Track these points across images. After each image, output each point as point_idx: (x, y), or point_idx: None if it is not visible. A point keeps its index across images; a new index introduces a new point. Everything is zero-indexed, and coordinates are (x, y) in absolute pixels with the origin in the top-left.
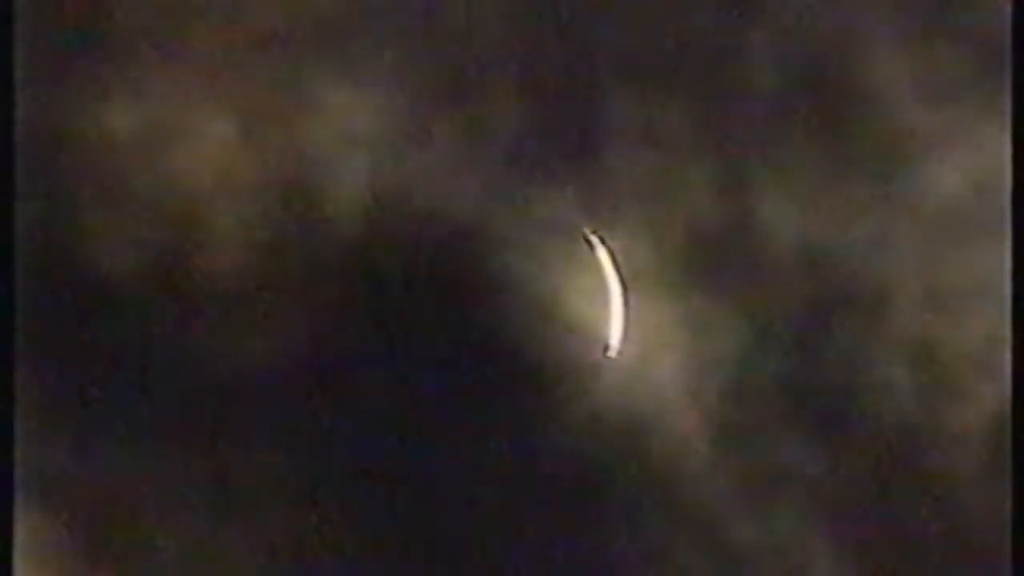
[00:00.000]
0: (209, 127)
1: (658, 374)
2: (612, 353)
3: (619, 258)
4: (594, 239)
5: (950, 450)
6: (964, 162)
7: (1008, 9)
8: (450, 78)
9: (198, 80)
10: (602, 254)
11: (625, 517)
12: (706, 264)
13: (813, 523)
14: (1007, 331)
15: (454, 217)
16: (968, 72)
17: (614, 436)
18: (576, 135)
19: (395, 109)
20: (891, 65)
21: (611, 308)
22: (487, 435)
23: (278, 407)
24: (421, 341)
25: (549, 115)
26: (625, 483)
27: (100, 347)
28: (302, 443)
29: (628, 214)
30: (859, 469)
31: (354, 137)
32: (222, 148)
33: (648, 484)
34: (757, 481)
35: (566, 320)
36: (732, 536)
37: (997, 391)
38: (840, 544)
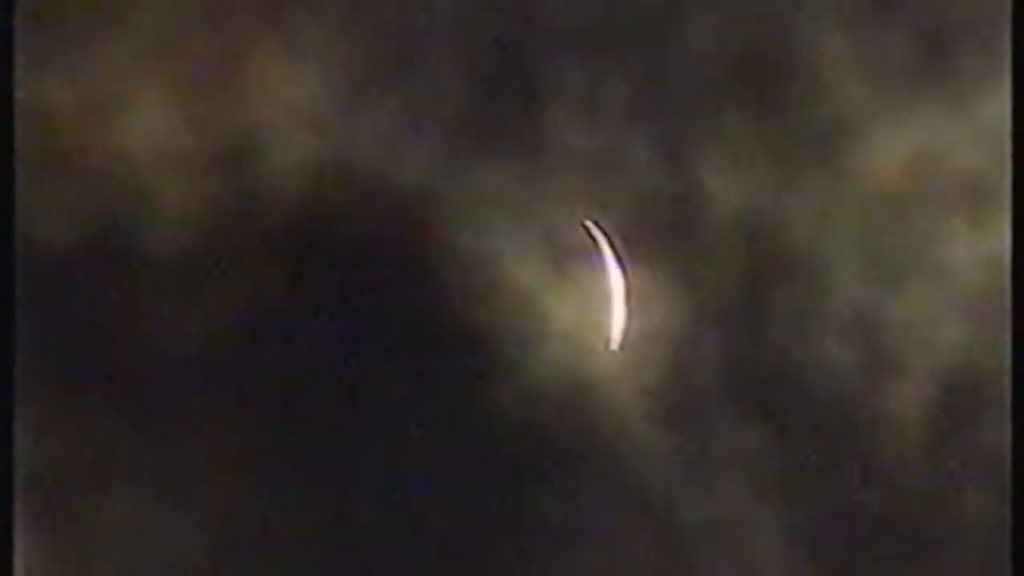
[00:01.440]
0: (151, 101)
1: (599, 346)
2: (614, 346)
3: (561, 231)
4: (594, 230)
5: (890, 427)
6: (906, 138)
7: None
8: (392, 50)
9: (141, 54)
10: (604, 246)
11: (565, 490)
12: (647, 236)
13: (757, 499)
14: (950, 307)
15: (397, 188)
16: (912, 50)
17: (555, 407)
18: (519, 107)
19: (337, 82)
20: (834, 40)
21: (612, 301)
22: (429, 404)
23: (221, 379)
24: (364, 311)
25: (492, 87)
26: (565, 455)
27: (41, 320)
28: (247, 416)
29: (569, 186)
30: (802, 445)
31: (297, 110)
32: (164, 122)
33: (588, 457)
34: (698, 455)
35: (508, 291)
36: (674, 511)
37: (938, 367)
38: (786, 520)
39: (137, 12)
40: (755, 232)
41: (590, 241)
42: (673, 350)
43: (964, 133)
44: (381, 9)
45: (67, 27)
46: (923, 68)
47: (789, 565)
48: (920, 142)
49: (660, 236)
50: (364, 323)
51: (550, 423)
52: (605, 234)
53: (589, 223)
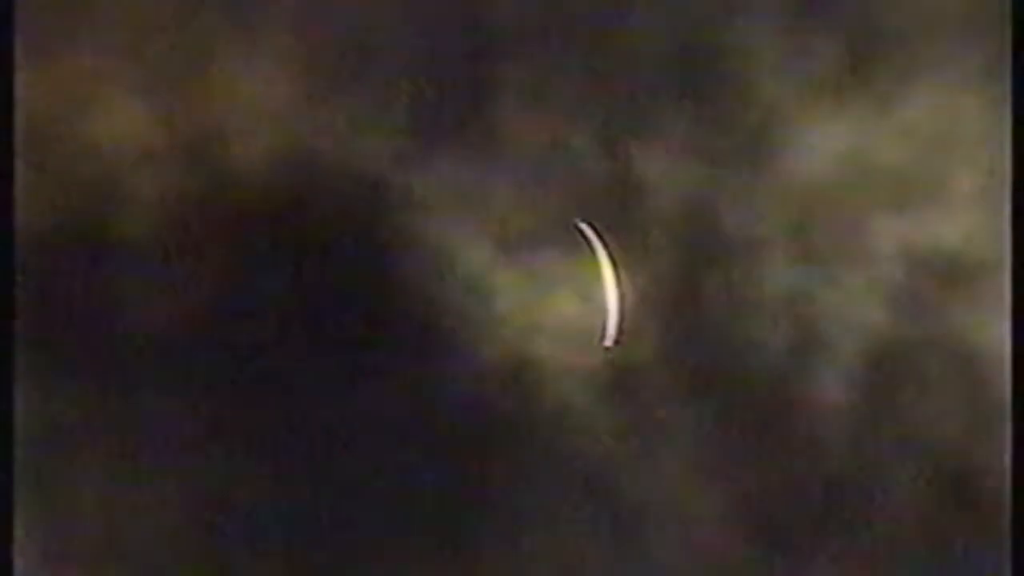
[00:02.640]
0: (121, 96)
1: (545, 328)
2: (608, 343)
3: (509, 218)
4: (587, 231)
5: (820, 406)
6: (835, 134)
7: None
8: (350, 48)
9: (111, 51)
10: (597, 246)
11: (511, 466)
12: (583, 214)
13: (697, 475)
14: (876, 293)
15: (356, 178)
16: (841, 52)
17: (501, 386)
18: (470, 100)
19: (299, 78)
20: (768, 40)
21: (607, 300)
22: (386, 386)
23: (188, 360)
24: (324, 296)
25: (445, 82)
26: (511, 433)
27: (16, 307)
28: (213, 392)
29: (517, 176)
30: (739, 424)
31: (260, 104)
32: (131, 116)
33: (533, 435)
34: (640, 433)
35: (459, 274)
36: (617, 487)
37: (865, 349)
38: (725, 496)
39: (106, 12)
40: (692, 220)
41: (537, 226)
42: (616, 331)
43: (888, 130)
44: (340, 8)
45: (41, 25)
46: (851, 69)
47: (729, 539)
48: (848, 138)
49: (602, 223)
50: (324, 304)
51: (497, 401)
52: (597, 233)
53: (581, 224)
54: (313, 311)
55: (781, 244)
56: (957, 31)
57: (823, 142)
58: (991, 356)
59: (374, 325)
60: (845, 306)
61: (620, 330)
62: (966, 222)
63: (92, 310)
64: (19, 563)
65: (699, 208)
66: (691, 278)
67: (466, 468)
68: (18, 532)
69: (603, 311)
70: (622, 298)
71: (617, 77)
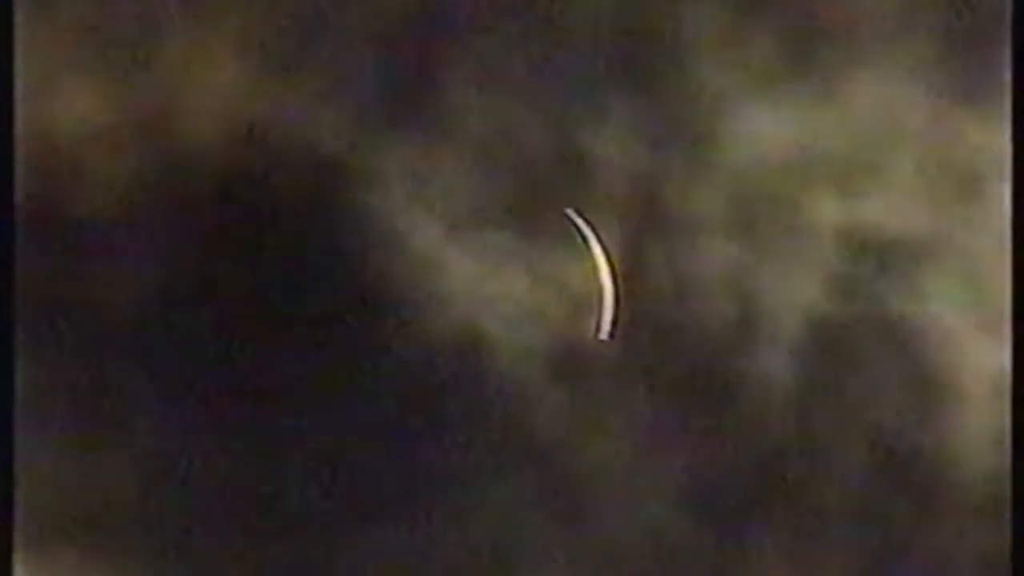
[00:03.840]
0: (74, 77)
1: (495, 305)
2: (604, 335)
3: (458, 197)
4: (580, 222)
5: (762, 382)
6: (781, 120)
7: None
8: (305, 30)
9: (65, 33)
10: (591, 237)
11: (461, 441)
12: (537, 202)
13: (646, 450)
14: (816, 272)
15: (311, 156)
16: (787, 42)
17: (453, 364)
18: (422, 80)
19: (254, 58)
20: (714, 26)
21: (604, 292)
22: (338, 359)
23: (147, 334)
24: (278, 271)
25: (398, 64)
26: (462, 408)
27: None
28: (171, 364)
29: (467, 156)
30: (684, 400)
31: (212, 82)
32: (86, 97)
33: (484, 410)
34: (587, 409)
35: (410, 250)
36: (565, 460)
37: (805, 327)
38: (671, 471)
39: None
40: (637, 200)
41: (487, 205)
42: (562, 309)
43: (830, 117)
44: None
45: None
46: (794, 56)
47: (674, 512)
48: (791, 125)
49: (548, 202)
50: (278, 279)
51: (446, 376)
52: (589, 225)
53: (572, 213)
54: (267, 285)
55: (724, 224)
56: (899, 22)
57: (766, 128)
58: (928, 335)
59: (326, 300)
60: (786, 285)
61: (614, 323)
62: (905, 207)
63: (55, 286)
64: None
65: (644, 189)
66: (637, 257)
67: (415, 441)
68: None
69: (552, 288)
70: (617, 290)
71: (565, 62)
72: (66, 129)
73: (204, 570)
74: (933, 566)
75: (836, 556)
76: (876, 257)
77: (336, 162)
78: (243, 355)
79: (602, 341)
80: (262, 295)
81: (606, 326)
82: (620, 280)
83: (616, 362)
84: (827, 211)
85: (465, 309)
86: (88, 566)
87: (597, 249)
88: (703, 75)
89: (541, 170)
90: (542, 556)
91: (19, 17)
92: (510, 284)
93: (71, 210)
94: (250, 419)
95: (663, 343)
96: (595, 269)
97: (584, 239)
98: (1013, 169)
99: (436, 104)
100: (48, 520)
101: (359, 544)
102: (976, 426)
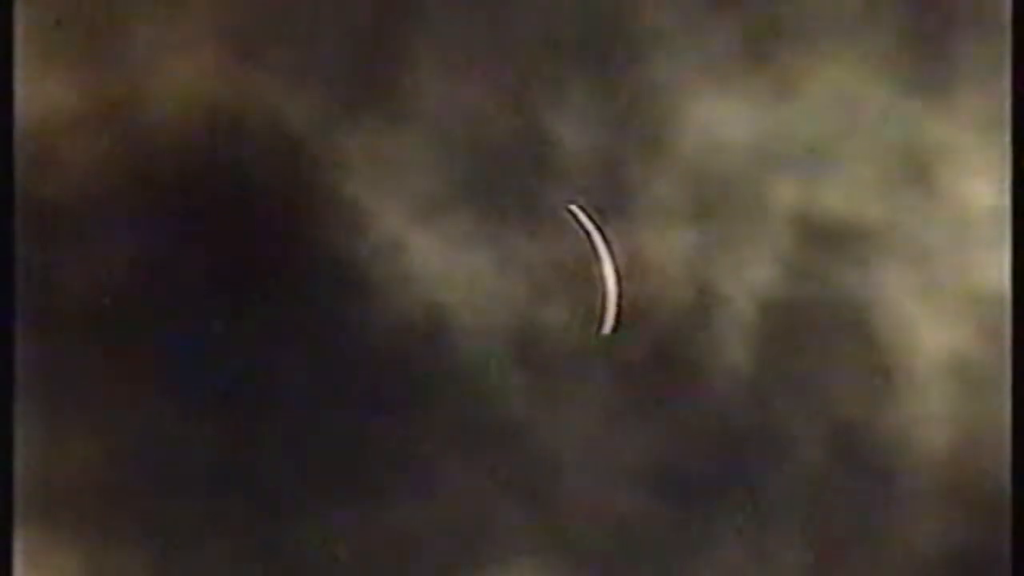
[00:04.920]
0: (43, 64)
1: (458, 285)
2: (606, 330)
3: (422, 179)
4: (582, 217)
5: (720, 367)
6: (740, 107)
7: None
8: (275, 15)
9: (35, 21)
10: (595, 234)
11: (425, 421)
12: (498, 180)
13: (607, 432)
14: (772, 250)
15: (282, 140)
16: (748, 27)
17: (417, 343)
18: (387, 65)
19: (225, 43)
20: (671, 11)
21: (607, 289)
22: (303, 339)
23: (117, 315)
24: (246, 252)
25: (365, 49)
26: (426, 388)
27: None
28: (140, 347)
29: (431, 138)
30: (644, 382)
31: (182, 68)
32: (57, 82)
33: (448, 390)
34: (552, 388)
35: (377, 231)
36: (527, 439)
37: (759, 310)
38: (632, 453)
39: None
40: (597, 182)
41: (451, 188)
42: (525, 290)
43: (790, 108)
44: None
45: None
46: (756, 45)
47: (634, 493)
48: (751, 114)
49: (510, 185)
50: (246, 259)
51: (410, 355)
52: (593, 221)
53: (576, 210)
54: (236, 266)
55: (683, 209)
56: (857, 18)
57: (726, 116)
58: (881, 319)
59: (293, 281)
60: (744, 270)
61: (618, 318)
62: (860, 195)
63: (31, 269)
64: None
65: (604, 173)
66: (592, 239)
67: (379, 420)
68: None
69: (515, 269)
70: (620, 285)
71: (527, 48)
72: (40, 116)
73: (183, 540)
74: (889, 546)
75: (793, 537)
76: (832, 243)
77: (303, 146)
78: (214, 335)
79: (604, 332)
80: (232, 275)
81: (610, 321)
82: (623, 278)
83: (577, 344)
84: (784, 198)
85: (429, 289)
86: (81, 541)
87: (601, 246)
88: (663, 63)
89: (503, 153)
90: (505, 533)
91: None
92: (473, 265)
93: (40, 193)
94: (223, 397)
95: (623, 325)
96: (599, 266)
97: (588, 236)
98: (1013, 169)
99: (400, 89)
100: (44, 496)
101: (329, 519)
102: (928, 407)
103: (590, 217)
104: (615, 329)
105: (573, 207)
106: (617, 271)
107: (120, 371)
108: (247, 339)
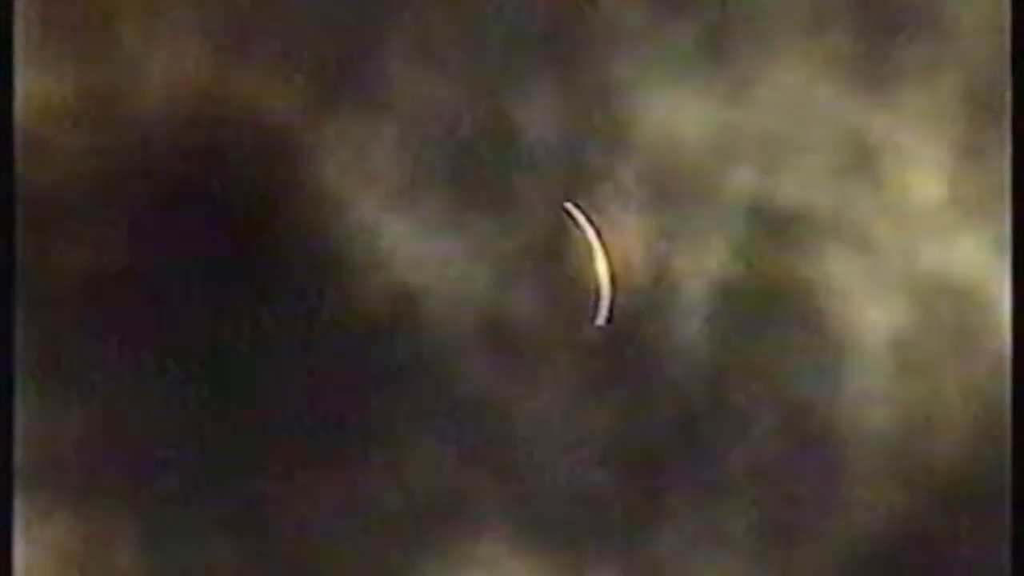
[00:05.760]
0: (37, 61)
1: (429, 266)
2: (600, 322)
3: (395, 168)
4: (579, 216)
5: (672, 348)
6: (698, 103)
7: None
8: (258, 10)
9: (27, 24)
10: (589, 230)
11: (396, 397)
12: (467, 165)
13: (570, 410)
14: (729, 239)
15: (263, 130)
16: (696, 36)
17: (390, 322)
18: (362, 57)
19: (210, 35)
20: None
21: (601, 283)
22: (282, 317)
23: (108, 300)
24: (229, 236)
25: (341, 41)
26: (398, 366)
27: None
28: (126, 330)
29: (404, 128)
30: (603, 363)
31: (168, 61)
32: (49, 77)
33: (420, 368)
34: (518, 364)
35: (357, 220)
36: (492, 414)
37: (714, 292)
38: (594, 431)
39: None
40: (558, 169)
41: (422, 174)
42: (494, 270)
43: (748, 103)
44: None
45: None
46: (714, 41)
47: (597, 470)
48: (708, 109)
49: (477, 170)
50: (229, 243)
51: (383, 334)
52: (587, 217)
53: (571, 207)
54: (219, 249)
55: (642, 196)
56: (810, 19)
57: (685, 111)
58: (827, 299)
59: (274, 263)
60: (699, 254)
61: (611, 310)
62: (809, 184)
63: (26, 254)
64: None
65: (567, 161)
66: (558, 225)
67: (354, 395)
68: None
69: (482, 252)
70: (613, 279)
71: (496, 45)
72: (30, 106)
73: (170, 507)
74: (834, 516)
75: (744, 508)
76: (783, 231)
77: (283, 136)
78: (200, 313)
79: (599, 324)
80: (216, 258)
81: (603, 314)
82: (616, 274)
83: (541, 324)
84: (739, 188)
85: (401, 272)
86: (73, 510)
87: (596, 243)
88: (625, 60)
89: (472, 144)
90: (472, 503)
91: None
92: (444, 249)
93: (34, 182)
94: (208, 373)
95: (585, 307)
96: (594, 262)
97: (583, 233)
98: (1013, 170)
99: (375, 83)
100: (42, 464)
101: (306, 488)
102: (872, 386)
103: (587, 217)
104: (608, 320)
105: (569, 206)
106: (611, 267)
107: (112, 348)
108: (230, 318)
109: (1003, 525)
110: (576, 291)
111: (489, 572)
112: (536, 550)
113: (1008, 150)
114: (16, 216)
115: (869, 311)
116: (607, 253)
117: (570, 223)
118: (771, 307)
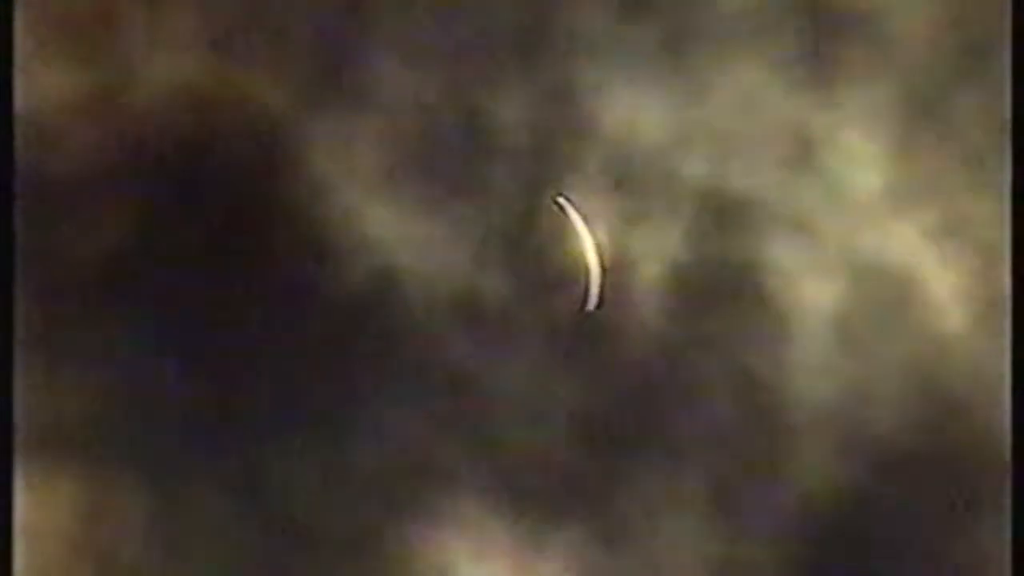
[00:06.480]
0: (47, 58)
1: (411, 244)
2: (591, 307)
3: (378, 157)
4: (566, 205)
5: (636, 329)
6: (655, 101)
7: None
8: (252, 8)
9: (39, 23)
10: (576, 218)
11: (378, 370)
12: (442, 157)
13: (541, 384)
14: (683, 224)
15: (258, 122)
16: (655, 37)
17: (372, 299)
18: (347, 55)
19: (206, 31)
20: (596, 22)
21: (591, 270)
22: (273, 295)
23: (113, 280)
24: (224, 220)
25: (328, 40)
26: (380, 340)
27: None
28: (139, 304)
29: (382, 119)
30: (567, 341)
31: (171, 56)
32: (58, 72)
33: (400, 342)
34: (489, 344)
35: (342, 204)
36: (468, 388)
37: (669, 273)
38: (562, 405)
39: None
40: (527, 159)
41: (402, 163)
42: (468, 252)
43: (703, 104)
44: None
45: None
46: (672, 44)
47: (564, 441)
48: (666, 108)
49: (453, 158)
50: (224, 227)
51: (367, 310)
52: (575, 208)
53: (560, 199)
54: (214, 231)
55: (605, 185)
56: (760, 24)
57: (644, 106)
58: (771, 278)
59: (265, 244)
60: (656, 238)
61: (601, 295)
62: (755, 173)
63: (32, 239)
64: None
65: (536, 151)
66: (530, 212)
67: (339, 368)
68: None
69: (458, 235)
70: (603, 266)
71: (469, 45)
72: (45, 103)
73: (169, 470)
74: (781, 481)
75: (699, 474)
76: (733, 216)
77: (274, 128)
78: (196, 290)
79: (588, 309)
80: (211, 239)
81: (593, 299)
82: (605, 261)
83: (512, 303)
84: (693, 177)
85: (383, 253)
86: (74, 471)
87: (585, 232)
88: (588, 59)
89: (448, 134)
90: (447, 468)
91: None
92: (422, 232)
93: (44, 172)
94: (205, 346)
95: (553, 289)
96: (583, 250)
97: (573, 222)
98: (1013, 170)
99: (359, 79)
100: (43, 432)
101: (293, 454)
102: (813, 356)
103: (576, 208)
104: (599, 306)
105: (560, 199)
106: (601, 256)
107: (112, 319)
108: (224, 295)
109: (937, 489)
110: (544, 271)
111: (462, 532)
112: (507, 512)
113: (944, 146)
114: (15, 203)
115: (811, 291)
116: (598, 245)
117: (560, 214)
118: (722, 287)
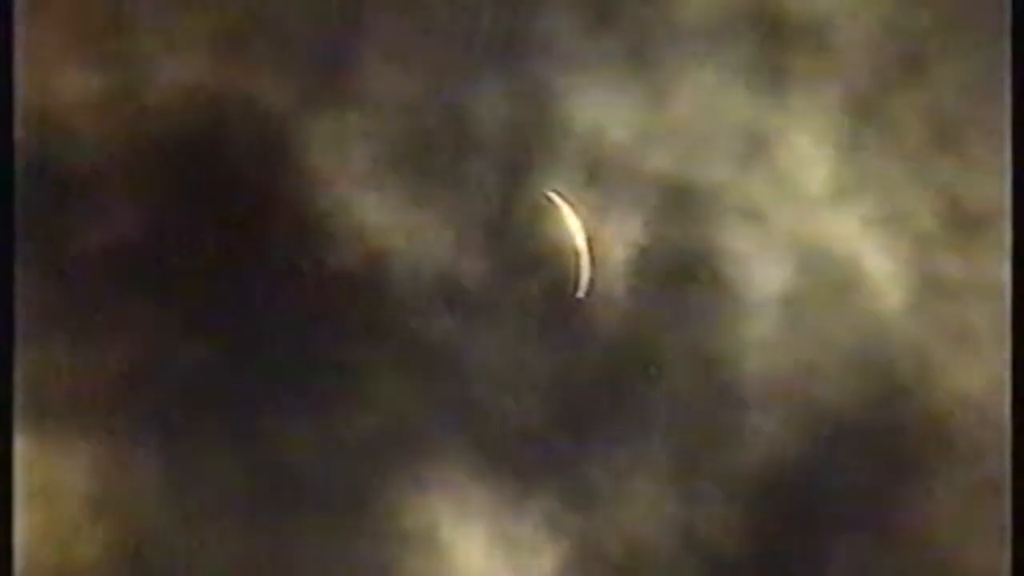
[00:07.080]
0: (64, 59)
1: (400, 231)
2: (581, 294)
3: (371, 152)
4: (557, 199)
5: (599, 307)
6: (624, 99)
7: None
8: (257, 9)
9: (58, 16)
10: (567, 211)
11: (367, 343)
12: (428, 151)
13: (514, 357)
14: (646, 211)
15: (261, 120)
16: (623, 40)
17: (363, 280)
18: (349, 55)
19: (211, 39)
20: (568, 21)
21: (580, 258)
22: (275, 275)
23: (124, 268)
24: (229, 210)
25: (322, 46)
26: (369, 317)
27: None
28: (143, 287)
29: (373, 116)
30: (537, 322)
31: (179, 57)
32: (74, 70)
33: (387, 318)
34: (472, 314)
35: (336, 195)
36: (452, 357)
37: (632, 255)
38: (533, 376)
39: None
40: (503, 153)
41: (390, 156)
42: (451, 238)
43: (666, 104)
44: None
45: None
46: (637, 52)
47: (539, 411)
48: (634, 101)
49: (439, 152)
50: (228, 214)
51: (358, 289)
52: (566, 201)
53: (552, 194)
54: (218, 218)
55: (576, 175)
56: (720, 31)
57: (612, 104)
58: (724, 259)
59: (265, 231)
60: (620, 224)
61: (591, 283)
62: (712, 164)
63: (46, 228)
64: None
65: (513, 146)
66: (503, 200)
67: (334, 345)
68: None
69: (442, 222)
70: (592, 255)
71: (451, 47)
72: (58, 101)
73: (165, 438)
74: (736, 447)
75: (662, 442)
76: (692, 204)
77: (273, 124)
78: (203, 274)
79: (579, 296)
80: (214, 226)
81: (583, 286)
82: (592, 249)
83: (492, 284)
84: (656, 169)
85: (374, 239)
86: (74, 441)
87: (575, 222)
88: (561, 61)
89: (433, 130)
90: (431, 436)
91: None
92: (410, 220)
93: (63, 165)
94: (206, 325)
95: (528, 272)
96: (574, 241)
97: (563, 213)
98: (1013, 169)
99: (351, 80)
100: (44, 404)
101: (290, 424)
102: (764, 333)
103: (565, 200)
104: (588, 293)
105: (552, 193)
106: (590, 245)
107: (130, 299)
108: (228, 277)
109: (876, 454)
110: (521, 256)
111: (445, 495)
112: (487, 476)
113: (881, 145)
114: (17, 190)
115: (763, 274)
116: (587, 234)
117: (553, 208)
118: (683, 271)
